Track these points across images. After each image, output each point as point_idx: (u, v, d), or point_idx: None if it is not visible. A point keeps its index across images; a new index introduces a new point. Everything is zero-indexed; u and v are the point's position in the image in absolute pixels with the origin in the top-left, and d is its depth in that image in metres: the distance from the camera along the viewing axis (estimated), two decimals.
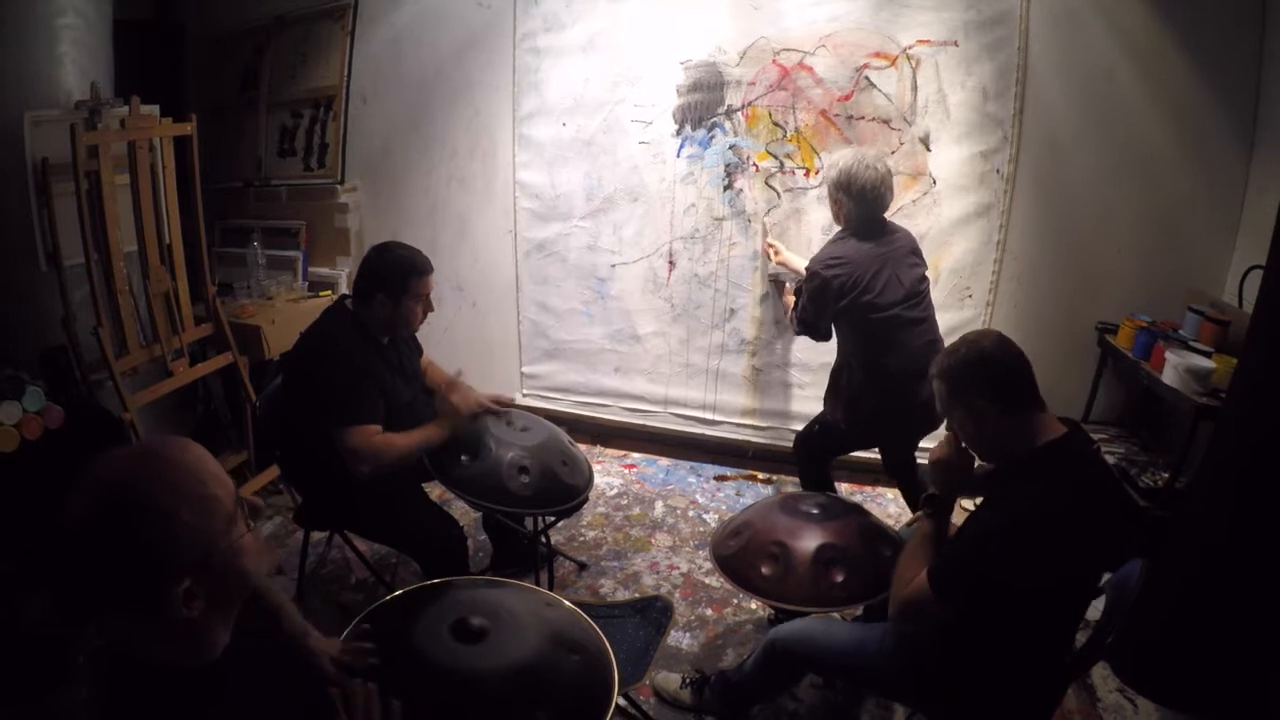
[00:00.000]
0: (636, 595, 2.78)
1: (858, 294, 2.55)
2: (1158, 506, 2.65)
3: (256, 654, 1.11)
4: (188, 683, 0.98)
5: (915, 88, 3.23)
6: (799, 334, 2.79)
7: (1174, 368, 2.64)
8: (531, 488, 2.26)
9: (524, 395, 3.99)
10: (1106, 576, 1.71)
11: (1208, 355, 2.66)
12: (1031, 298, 3.36)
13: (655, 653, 1.96)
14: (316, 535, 2.80)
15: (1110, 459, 2.96)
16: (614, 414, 3.92)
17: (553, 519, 2.72)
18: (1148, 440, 3.14)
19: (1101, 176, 3.20)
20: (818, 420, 2.92)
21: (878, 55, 3.25)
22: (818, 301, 2.62)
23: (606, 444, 3.98)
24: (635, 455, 3.91)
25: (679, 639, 2.61)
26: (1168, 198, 3.16)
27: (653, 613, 2.12)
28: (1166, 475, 2.77)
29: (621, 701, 2.14)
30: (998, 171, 3.24)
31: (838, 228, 2.76)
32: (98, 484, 0.94)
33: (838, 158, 2.68)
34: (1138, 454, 3.02)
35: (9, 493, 2.46)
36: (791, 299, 2.95)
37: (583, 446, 2.81)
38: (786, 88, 3.36)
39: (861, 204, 2.60)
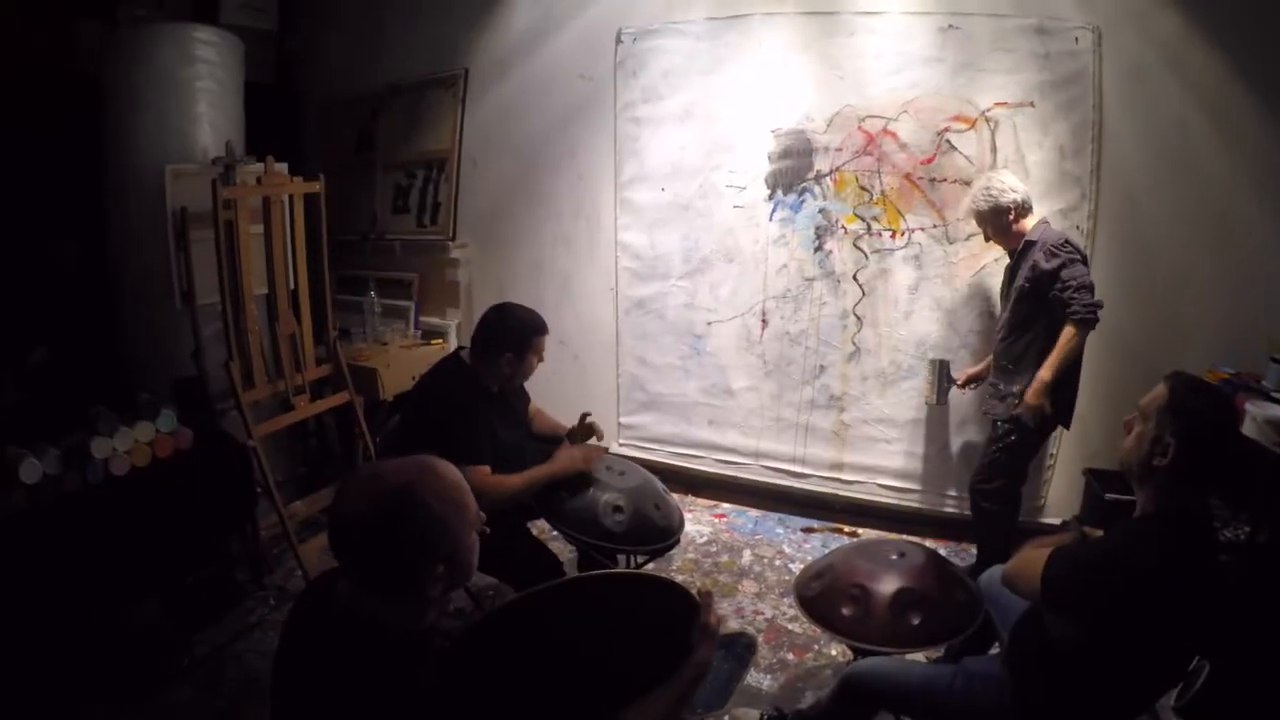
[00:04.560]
0: (722, 633, 2.87)
1: None
2: (1238, 561, 2.60)
3: None
4: (407, 642, 1.23)
5: (994, 149, 3.33)
6: (1096, 318, 2.83)
7: (1253, 419, 2.61)
8: (625, 526, 2.40)
9: (620, 444, 4.14)
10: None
11: None
12: (1113, 351, 3.30)
13: (737, 685, 2.04)
14: None
15: None
16: (706, 465, 4.03)
17: (644, 558, 2.86)
18: (1229, 494, 3.09)
19: (1179, 228, 3.21)
20: (1014, 429, 2.96)
21: (957, 118, 3.36)
22: (1082, 270, 2.80)
23: (698, 493, 4.08)
24: (725, 505, 4.00)
25: (760, 680, 2.65)
26: (1246, 246, 3.14)
27: (738, 647, 2.21)
28: (1248, 529, 2.70)
29: None
30: (1078, 228, 3.26)
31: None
32: (388, 486, 1.22)
33: (974, 198, 3.01)
34: (1219, 507, 2.95)
35: (137, 505, 2.72)
36: (976, 370, 3.30)
37: (675, 495, 2.94)
38: (871, 153, 3.50)
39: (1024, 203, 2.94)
